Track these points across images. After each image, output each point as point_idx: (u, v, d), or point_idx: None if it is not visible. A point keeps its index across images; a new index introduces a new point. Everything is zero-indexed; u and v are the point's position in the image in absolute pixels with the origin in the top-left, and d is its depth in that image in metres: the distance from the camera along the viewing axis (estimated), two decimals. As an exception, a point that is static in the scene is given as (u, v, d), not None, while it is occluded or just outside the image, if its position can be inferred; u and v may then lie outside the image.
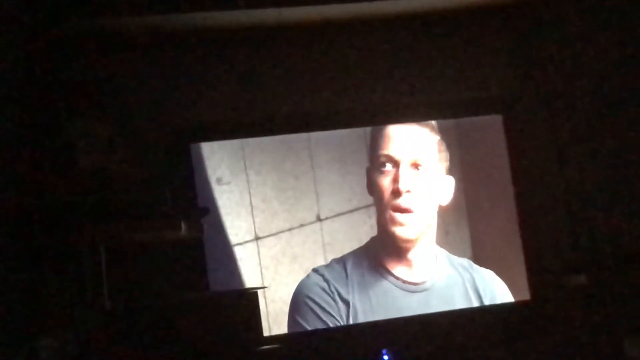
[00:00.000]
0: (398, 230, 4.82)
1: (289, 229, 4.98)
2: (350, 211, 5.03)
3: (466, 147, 5.14)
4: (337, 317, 4.80)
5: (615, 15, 5.00)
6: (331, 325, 4.80)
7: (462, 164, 5.10)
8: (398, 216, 4.81)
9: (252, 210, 4.93)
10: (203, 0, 4.45)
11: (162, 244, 4.50)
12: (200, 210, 4.46)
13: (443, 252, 4.97)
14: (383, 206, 4.85)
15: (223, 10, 4.49)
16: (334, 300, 4.80)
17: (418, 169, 4.81)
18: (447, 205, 4.99)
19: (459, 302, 4.92)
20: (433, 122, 4.95)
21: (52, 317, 3.97)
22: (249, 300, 4.05)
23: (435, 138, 4.91)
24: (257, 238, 4.93)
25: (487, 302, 4.92)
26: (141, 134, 4.76)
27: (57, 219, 3.99)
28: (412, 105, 5.12)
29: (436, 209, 4.92)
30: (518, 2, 5.01)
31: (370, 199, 4.95)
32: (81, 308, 3.98)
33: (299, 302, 4.83)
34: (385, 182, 4.83)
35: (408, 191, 4.79)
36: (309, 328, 4.78)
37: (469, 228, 5.12)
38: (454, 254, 5.01)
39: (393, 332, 4.87)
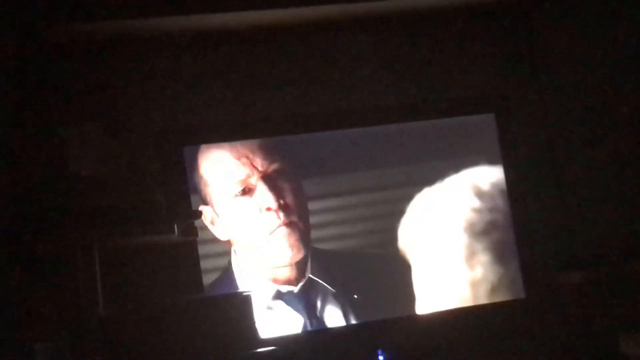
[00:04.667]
0: None
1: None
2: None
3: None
4: None
5: (610, 14, 5.02)
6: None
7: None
8: None
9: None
10: (195, 3, 4.45)
11: (156, 247, 4.50)
12: (193, 213, 4.45)
13: None
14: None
15: (215, 12, 4.48)
16: None
17: None
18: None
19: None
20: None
21: (47, 322, 3.96)
22: (243, 302, 4.04)
23: None
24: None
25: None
26: (134, 137, 4.75)
27: (50, 224, 3.98)
28: (404, 106, 5.12)
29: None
30: (510, 1, 5.02)
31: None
32: (75, 313, 3.97)
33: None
34: None
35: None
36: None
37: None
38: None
39: (388, 331, 4.88)
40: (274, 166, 4.68)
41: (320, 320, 4.85)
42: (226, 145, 4.77)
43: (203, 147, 4.79)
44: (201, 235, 4.56)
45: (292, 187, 4.70)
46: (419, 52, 5.16)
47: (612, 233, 5.05)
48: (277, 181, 4.67)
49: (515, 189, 5.14)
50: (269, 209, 4.66)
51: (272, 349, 4.20)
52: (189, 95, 4.87)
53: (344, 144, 5.07)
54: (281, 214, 4.67)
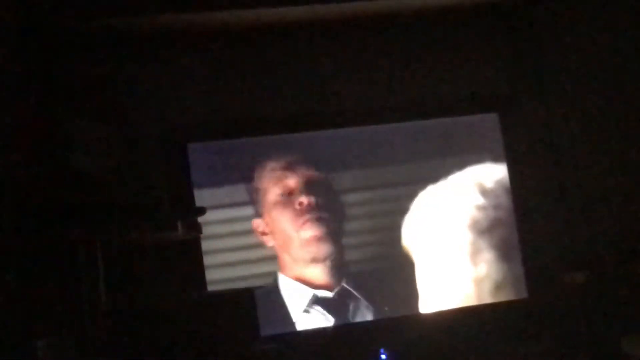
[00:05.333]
0: None
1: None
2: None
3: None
4: None
5: (612, 14, 5.01)
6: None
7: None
8: None
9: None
10: (201, 1, 4.45)
11: (160, 244, 4.50)
12: (197, 210, 4.46)
13: None
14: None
15: (221, 10, 4.49)
16: None
17: None
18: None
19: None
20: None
21: (50, 318, 3.96)
22: (245, 299, 4.05)
23: None
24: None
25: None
26: (138, 134, 4.75)
27: (55, 220, 3.99)
28: (409, 105, 5.12)
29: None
30: (514, 2, 5.01)
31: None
32: (79, 309, 3.97)
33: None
34: None
35: None
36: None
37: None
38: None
39: (390, 331, 4.88)
40: (315, 174, 5.04)
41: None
42: (277, 157, 5.03)
43: (261, 161, 5.03)
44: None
45: (327, 192, 5.05)
46: (424, 53, 5.16)
47: (615, 234, 5.04)
48: (314, 185, 5.02)
49: (519, 190, 5.14)
50: (301, 203, 4.95)
51: (275, 347, 4.21)
52: (193, 93, 4.87)
53: (348, 143, 5.10)
54: (313, 210, 4.97)
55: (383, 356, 4.77)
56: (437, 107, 5.15)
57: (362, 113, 5.09)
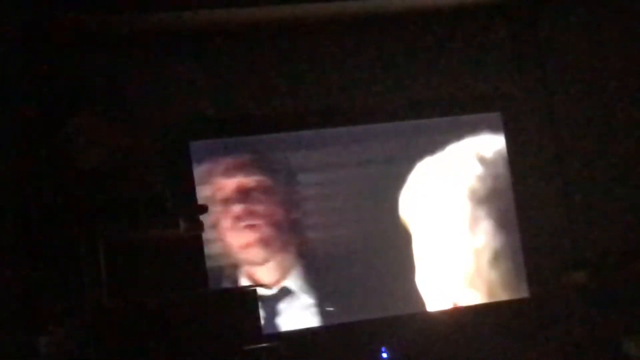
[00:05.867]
0: None
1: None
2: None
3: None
4: None
5: (614, 14, 5.02)
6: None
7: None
8: None
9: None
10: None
11: (161, 241, 4.50)
12: (199, 208, 4.46)
13: None
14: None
15: (224, 7, 4.49)
16: None
17: None
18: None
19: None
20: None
21: (52, 314, 3.97)
22: (247, 297, 4.05)
23: None
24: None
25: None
26: (140, 131, 4.75)
27: (56, 217, 3.99)
28: (411, 104, 5.12)
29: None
30: (516, 1, 5.02)
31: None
32: (80, 305, 3.98)
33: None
34: None
35: None
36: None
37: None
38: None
39: (392, 329, 4.88)
40: (252, 180, 5.01)
41: (276, 326, 4.98)
42: (217, 159, 4.98)
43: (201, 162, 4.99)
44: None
45: (266, 199, 5.03)
46: (426, 52, 5.16)
47: (618, 233, 5.04)
48: (250, 192, 5.00)
49: (521, 189, 5.14)
50: (237, 211, 4.95)
51: (276, 344, 4.21)
52: (195, 91, 4.87)
53: (349, 139, 5.12)
54: (246, 218, 4.98)
55: (384, 354, 4.78)
56: (439, 106, 5.15)
57: (363, 112, 5.09)
